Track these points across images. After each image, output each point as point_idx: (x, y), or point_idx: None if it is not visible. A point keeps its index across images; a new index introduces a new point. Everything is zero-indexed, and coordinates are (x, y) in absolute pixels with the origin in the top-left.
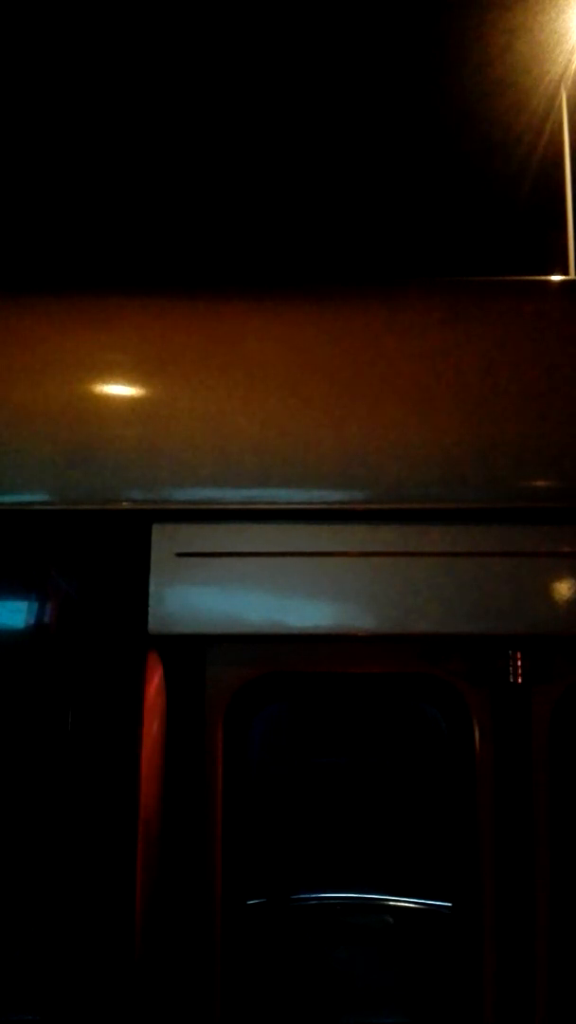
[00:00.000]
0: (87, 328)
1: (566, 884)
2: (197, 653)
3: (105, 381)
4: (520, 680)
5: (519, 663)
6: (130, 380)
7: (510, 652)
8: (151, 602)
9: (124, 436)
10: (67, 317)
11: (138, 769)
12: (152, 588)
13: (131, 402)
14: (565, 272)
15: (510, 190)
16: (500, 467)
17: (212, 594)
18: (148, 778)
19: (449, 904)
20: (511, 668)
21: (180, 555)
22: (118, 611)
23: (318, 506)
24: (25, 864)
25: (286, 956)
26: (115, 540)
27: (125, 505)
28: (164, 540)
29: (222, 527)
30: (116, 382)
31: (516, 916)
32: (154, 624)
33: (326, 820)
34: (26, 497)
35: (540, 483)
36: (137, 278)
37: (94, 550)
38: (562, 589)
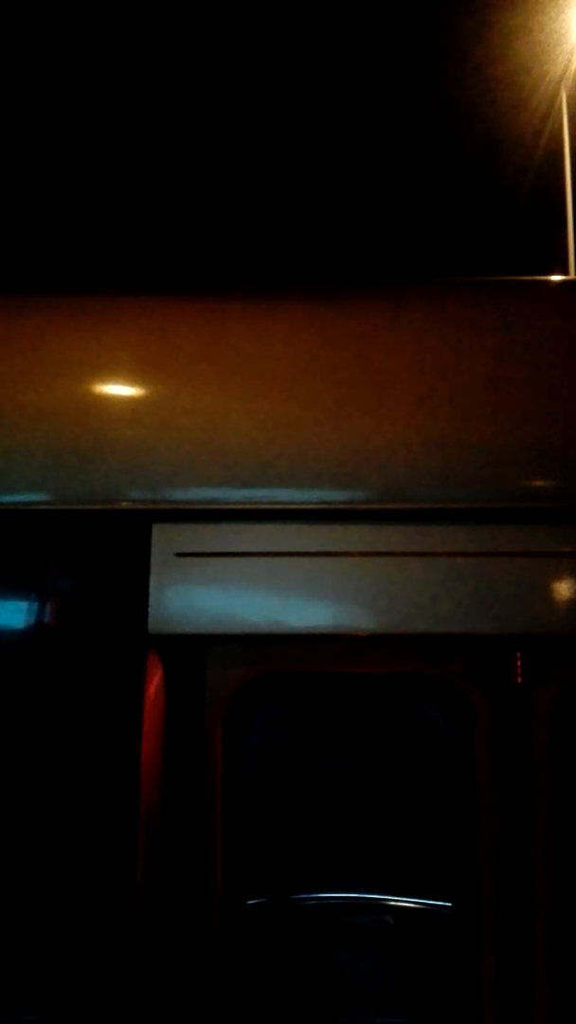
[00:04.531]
0: (87, 328)
1: (566, 884)
2: (197, 653)
3: (105, 381)
4: (520, 680)
5: (519, 663)
6: (130, 380)
7: (510, 652)
8: (151, 602)
9: (124, 436)
10: (67, 317)
11: (138, 769)
12: (152, 588)
13: (131, 402)
14: (565, 272)
15: (510, 190)
16: (500, 467)
17: (212, 594)
18: (148, 778)
19: (449, 904)
20: (511, 668)
21: (180, 555)
22: (118, 611)
23: (318, 506)
24: (26, 864)
25: (286, 956)
26: (115, 540)
27: (125, 505)
28: (164, 540)
29: (222, 527)
30: (116, 382)
31: (516, 916)
32: (154, 624)
33: (326, 820)
34: (26, 497)
35: (540, 483)
36: (137, 278)
37: (94, 550)
38: (562, 589)
